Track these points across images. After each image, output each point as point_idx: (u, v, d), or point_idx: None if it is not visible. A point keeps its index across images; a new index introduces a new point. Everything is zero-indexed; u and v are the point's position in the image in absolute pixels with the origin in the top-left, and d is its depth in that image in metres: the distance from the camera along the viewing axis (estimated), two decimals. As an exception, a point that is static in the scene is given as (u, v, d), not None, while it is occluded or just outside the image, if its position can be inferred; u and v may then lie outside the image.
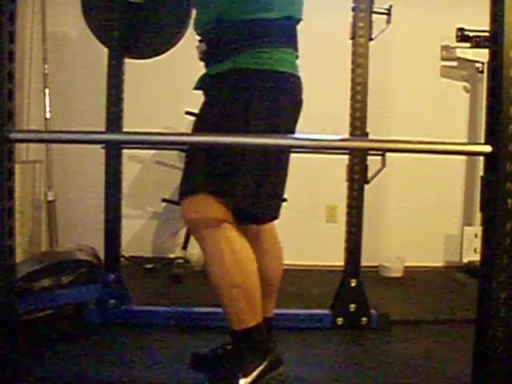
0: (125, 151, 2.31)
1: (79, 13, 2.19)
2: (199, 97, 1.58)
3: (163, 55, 2.24)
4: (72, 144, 2.54)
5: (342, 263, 2.21)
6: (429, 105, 3.27)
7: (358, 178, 2.16)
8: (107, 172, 2.14)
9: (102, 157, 2.14)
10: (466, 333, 1.60)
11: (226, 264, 1.44)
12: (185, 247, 3.01)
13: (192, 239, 2.96)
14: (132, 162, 3.23)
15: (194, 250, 3.02)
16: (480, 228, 1.22)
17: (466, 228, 3.26)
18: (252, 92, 1.42)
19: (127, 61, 2.18)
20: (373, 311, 2.16)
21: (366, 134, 2.13)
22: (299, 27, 1.55)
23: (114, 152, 2.13)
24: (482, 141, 1.18)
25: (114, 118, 2.10)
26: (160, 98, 3.18)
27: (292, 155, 1.58)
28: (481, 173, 1.20)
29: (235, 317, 1.48)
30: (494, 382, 1.17)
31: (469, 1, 2.93)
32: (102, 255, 2.20)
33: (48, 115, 3.06)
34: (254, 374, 1.46)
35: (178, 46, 2.21)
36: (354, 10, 2.12)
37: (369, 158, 2.16)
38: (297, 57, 1.54)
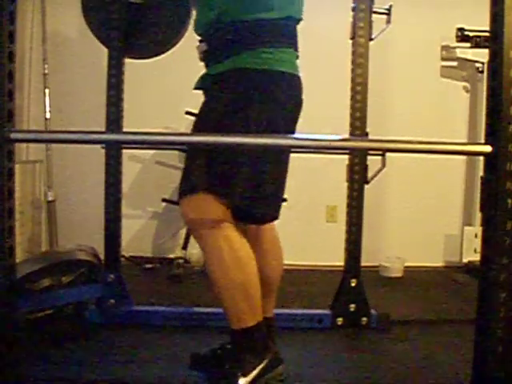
0: (125, 151, 2.31)
1: (79, 13, 2.19)
2: (199, 97, 1.58)
3: (163, 55, 2.24)
4: (72, 144, 2.54)
5: (342, 263, 2.21)
6: (429, 105, 3.27)
7: (357, 178, 2.16)
8: (107, 172, 2.14)
9: (102, 157, 2.14)
10: (466, 333, 1.60)
11: (225, 263, 1.44)
12: (185, 247, 3.01)
13: (192, 239, 2.96)
14: (132, 162, 3.23)
15: (194, 250, 3.02)
16: (480, 228, 1.22)
17: (466, 228, 3.26)
18: (252, 92, 1.42)
19: (127, 61, 2.18)
20: (373, 311, 2.16)
21: (366, 134, 2.13)
22: (299, 27, 1.55)
23: (113, 152, 2.13)
24: (482, 141, 1.18)
25: (114, 118, 2.11)
26: (160, 97, 3.18)
27: (292, 155, 1.58)
28: (481, 173, 1.20)
29: (235, 316, 1.48)
30: (494, 382, 1.17)
31: (469, 1, 2.93)
32: (102, 255, 2.20)
33: (48, 115, 3.06)
34: (254, 373, 1.46)
35: (177, 45, 2.22)
36: (353, 10, 2.12)
37: (369, 157, 2.16)
38: (297, 57, 1.54)
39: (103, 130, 2.09)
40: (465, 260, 3.21)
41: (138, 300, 2.18)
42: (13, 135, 1.20)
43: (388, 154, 2.08)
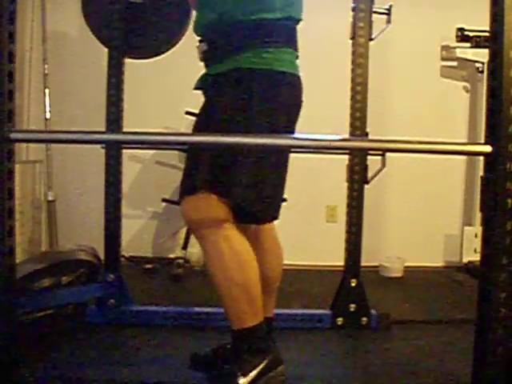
0: (125, 151, 2.31)
1: (79, 13, 2.19)
2: (199, 97, 1.58)
3: (163, 55, 2.24)
4: (72, 144, 2.53)
5: (342, 263, 2.21)
6: (429, 105, 3.27)
7: (357, 178, 2.16)
8: (107, 172, 2.14)
9: (102, 157, 2.14)
10: (465, 333, 1.60)
11: (226, 263, 1.44)
12: (185, 247, 3.01)
13: (192, 239, 2.96)
14: (132, 162, 3.23)
15: (194, 250, 3.02)
16: (480, 228, 1.22)
17: (466, 228, 3.26)
18: (253, 92, 1.42)
19: (127, 61, 2.18)
20: (373, 311, 2.16)
21: (366, 134, 2.13)
22: (299, 27, 1.55)
23: (113, 152, 2.13)
24: (482, 141, 1.18)
25: (114, 118, 2.11)
26: (160, 97, 3.17)
27: (292, 155, 1.58)
28: (481, 173, 1.20)
29: (236, 316, 1.47)
30: (494, 382, 1.17)
31: (469, 1, 2.93)
32: (102, 255, 2.20)
33: (48, 115, 3.06)
34: (253, 373, 1.46)
35: (177, 45, 2.22)
36: (353, 10, 2.12)
37: (369, 157, 2.15)
38: (297, 57, 1.54)
39: (103, 130, 2.09)
40: (465, 260, 3.21)
41: (138, 300, 2.18)
42: (13, 135, 1.20)
43: (388, 154, 2.08)
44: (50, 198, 3.09)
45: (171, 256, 3.19)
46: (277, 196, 1.54)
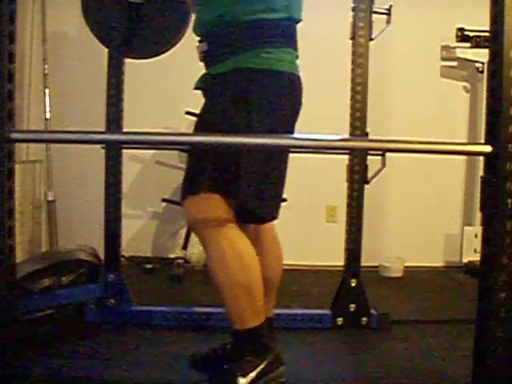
0: (125, 151, 2.31)
1: (79, 13, 2.19)
2: (199, 97, 1.58)
3: (163, 55, 2.24)
4: (72, 144, 2.53)
5: (342, 263, 2.21)
6: (429, 105, 3.27)
7: (357, 178, 2.16)
8: (107, 172, 2.14)
9: (102, 157, 2.14)
10: (465, 333, 1.60)
11: (228, 263, 1.44)
12: (185, 247, 3.01)
13: (192, 239, 2.96)
14: (132, 162, 3.23)
15: (194, 250, 3.02)
16: (480, 228, 1.22)
17: (466, 228, 3.26)
18: (254, 91, 1.42)
19: (127, 61, 2.18)
20: (373, 311, 2.16)
21: (366, 134, 2.13)
22: (299, 27, 1.55)
23: (114, 152, 2.13)
24: (482, 141, 1.18)
25: (114, 118, 2.11)
26: (160, 97, 3.17)
27: (292, 155, 1.58)
28: (481, 173, 1.20)
29: (237, 317, 1.47)
30: (494, 382, 1.17)
31: (469, 1, 2.93)
32: (102, 255, 2.20)
33: (48, 115, 3.06)
34: (253, 373, 1.46)
35: (178, 45, 2.22)
36: (353, 10, 2.12)
37: (369, 157, 2.15)
38: (297, 57, 1.54)
39: (103, 130, 2.09)
40: (465, 260, 3.21)
41: (138, 300, 2.18)
42: (13, 135, 1.20)
43: (388, 154, 2.08)
44: (50, 198, 3.09)
45: (171, 256, 3.19)
46: (278, 196, 1.54)
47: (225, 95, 1.46)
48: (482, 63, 3.22)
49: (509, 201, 1.13)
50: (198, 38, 1.55)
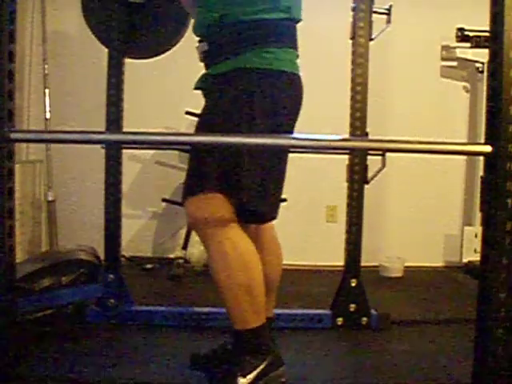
0: (125, 151, 2.31)
1: (79, 13, 2.19)
2: (199, 97, 1.58)
3: (163, 55, 2.24)
4: (72, 144, 2.54)
5: (342, 263, 2.21)
6: (429, 105, 3.27)
7: (357, 178, 2.16)
8: (107, 172, 2.14)
9: (102, 157, 2.14)
10: (466, 333, 1.60)
11: (230, 263, 1.43)
12: (185, 247, 3.01)
13: (192, 239, 2.96)
14: (132, 162, 3.23)
15: (194, 250, 3.02)
16: (480, 228, 1.22)
17: (466, 228, 3.26)
18: (254, 91, 1.42)
19: (127, 61, 2.18)
20: (373, 311, 2.15)
21: (366, 134, 2.13)
22: (299, 27, 1.55)
23: (113, 152, 2.13)
24: (482, 141, 1.18)
25: (114, 118, 2.11)
26: (160, 98, 3.18)
27: (292, 155, 1.58)
28: (481, 173, 1.21)
29: (238, 317, 1.47)
30: (494, 382, 1.17)
31: (469, 1, 2.93)
32: (102, 255, 2.20)
33: (48, 115, 3.06)
34: (253, 374, 1.45)
35: (177, 45, 2.22)
36: (353, 9, 2.12)
37: (369, 157, 2.15)
38: (297, 56, 1.54)
39: (103, 130, 2.09)
40: (465, 260, 3.20)
41: (138, 300, 2.18)
42: (13, 135, 1.20)
43: (388, 154, 2.08)
44: (50, 198, 3.09)
45: (171, 256, 3.18)
46: (278, 195, 1.54)
47: (225, 95, 1.45)
48: (482, 63, 3.22)
49: (509, 201, 1.14)
50: (198, 38, 1.55)
